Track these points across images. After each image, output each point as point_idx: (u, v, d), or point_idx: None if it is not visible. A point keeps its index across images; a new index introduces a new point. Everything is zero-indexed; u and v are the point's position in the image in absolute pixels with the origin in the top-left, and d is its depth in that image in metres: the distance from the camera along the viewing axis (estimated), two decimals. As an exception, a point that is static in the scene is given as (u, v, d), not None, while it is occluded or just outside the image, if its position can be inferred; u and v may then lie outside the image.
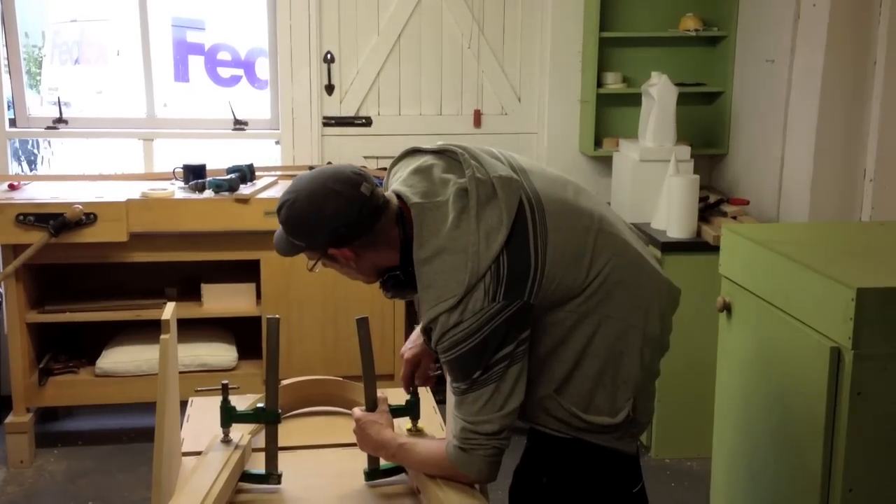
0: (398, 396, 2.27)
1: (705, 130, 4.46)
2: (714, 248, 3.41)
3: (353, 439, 2.12)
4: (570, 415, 1.95)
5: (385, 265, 1.98)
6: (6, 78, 4.21)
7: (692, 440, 3.78)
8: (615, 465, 2.04)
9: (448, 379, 1.98)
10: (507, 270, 1.83)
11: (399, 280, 1.97)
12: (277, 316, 2.07)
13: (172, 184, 3.91)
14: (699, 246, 3.71)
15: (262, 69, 4.71)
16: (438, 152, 2.02)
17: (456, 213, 1.87)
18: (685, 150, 3.99)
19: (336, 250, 1.93)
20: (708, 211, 3.93)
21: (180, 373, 2.48)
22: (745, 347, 2.80)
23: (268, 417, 2.08)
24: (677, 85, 4.06)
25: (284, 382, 2.39)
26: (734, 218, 3.88)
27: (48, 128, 4.31)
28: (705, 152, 4.43)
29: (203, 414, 2.43)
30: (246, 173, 3.89)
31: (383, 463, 2.10)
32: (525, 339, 1.86)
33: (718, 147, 4.44)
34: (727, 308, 2.87)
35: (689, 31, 4.29)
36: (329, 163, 4.28)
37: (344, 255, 1.94)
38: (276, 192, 3.80)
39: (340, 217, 1.87)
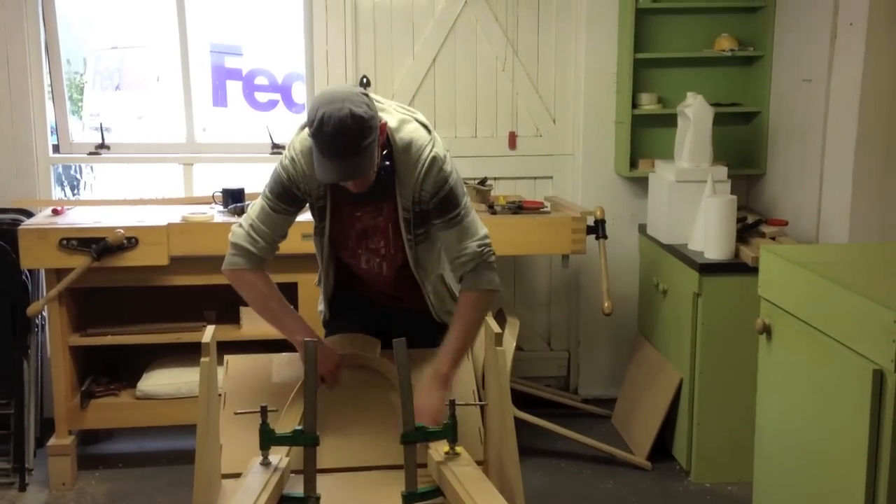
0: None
1: (742, 151, 4.43)
2: (753, 270, 3.38)
3: (392, 461, 2.13)
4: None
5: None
6: (49, 104, 4.29)
7: (733, 464, 3.73)
8: None
9: (442, 222, 2.42)
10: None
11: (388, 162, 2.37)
12: (316, 339, 2.09)
13: (212, 207, 3.96)
14: (737, 267, 3.68)
15: (299, 93, 4.77)
16: None
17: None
18: (722, 171, 3.96)
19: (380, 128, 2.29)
20: (746, 232, 3.89)
21: (219, 395, 2.50)
22: (785, 370, 2.77)
23: (306, 440, 2.09)
24: (713, 105, 4.04)
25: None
26: (773, 239, 3.84)
27: (90, 153, 4.38)
28: (742, 172, 4.40)
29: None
30: (283, 197, 3.92)
31: (421, 486, 2.10)
32: None
33: (756, 167, 4.41)
34: (767, 330, 2.85)
35: (724, 51, 4.28)
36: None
37: (382, 134, 2.30)
38: (314, 215, 3.83)
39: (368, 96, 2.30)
